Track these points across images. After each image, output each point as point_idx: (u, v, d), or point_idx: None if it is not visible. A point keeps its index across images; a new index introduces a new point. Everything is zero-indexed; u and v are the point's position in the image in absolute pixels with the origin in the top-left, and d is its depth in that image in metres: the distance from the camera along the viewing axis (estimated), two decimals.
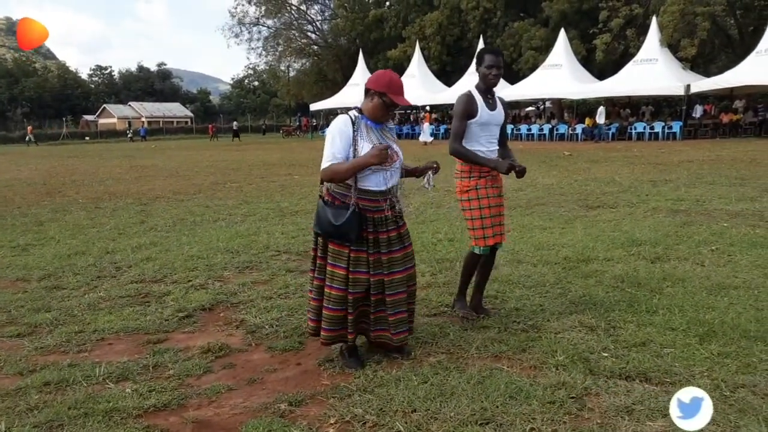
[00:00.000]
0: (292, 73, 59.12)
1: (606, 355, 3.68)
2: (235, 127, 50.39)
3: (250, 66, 74.10)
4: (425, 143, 29.34)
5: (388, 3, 50.03)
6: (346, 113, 3.59)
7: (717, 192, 10.05)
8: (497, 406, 3.06)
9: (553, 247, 6.43)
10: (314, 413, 3.12)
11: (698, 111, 31.35)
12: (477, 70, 4.24)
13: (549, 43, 34.65)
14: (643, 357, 3.61)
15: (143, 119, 73.49)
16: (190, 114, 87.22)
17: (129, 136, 55.40)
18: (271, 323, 4.46)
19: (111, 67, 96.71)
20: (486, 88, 4.22)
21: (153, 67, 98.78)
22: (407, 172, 3.84)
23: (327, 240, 3.56)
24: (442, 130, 35.34)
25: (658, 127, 28.49)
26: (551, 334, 4.05)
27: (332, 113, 51.00)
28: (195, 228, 8.40)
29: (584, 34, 34.96)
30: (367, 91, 3.56)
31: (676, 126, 27.96)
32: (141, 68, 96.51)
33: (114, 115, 78.15)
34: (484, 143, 4.24)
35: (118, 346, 4.14)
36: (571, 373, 3.43)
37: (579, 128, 30.62)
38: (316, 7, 57.67)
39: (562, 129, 31.42)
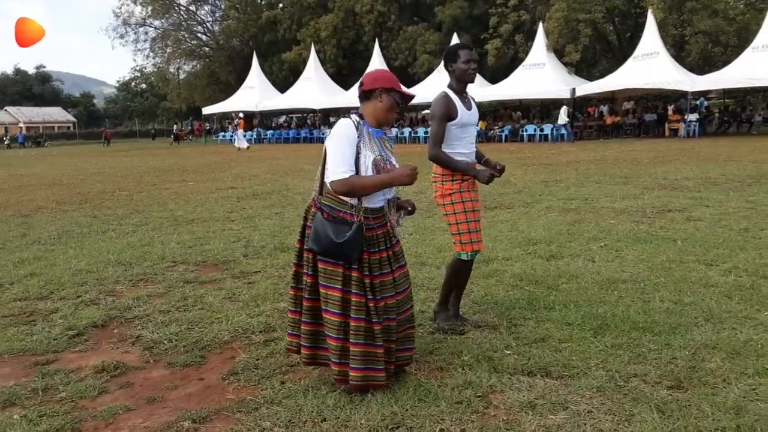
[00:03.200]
0: (182, 76, 57.20)
1: (509, 352, 3.78)
2: (175, 131, 49.28)
3: (137, 68, 70.90)
4: (239, 149, 29.93)
5: (281, 5, 49.48)
6: (348, 117, 3.31)
7: (603, 190, 10.62)
8: (407, 410, 3.07)
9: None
10: (220, 429, 3.00)
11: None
12: (448, 68, 4.07)
13: (443, 47, 35.41)
14: (543, 352, 3.74)
15: (21, 125, 69.00)
16: (72, 119, 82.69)
17: (6, 143, 51.99)
18: (169, 338, 4.26)
19: None
20: (463, 85, 4.09)
21: (31, 70, 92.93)
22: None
23: (316, 258, 3.24)
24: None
25: (547, 129, 29.84)
26: (456, 335, 4.12)
27: (226, 117, 49.99)
28: (82, 240, 7.94)
29: (476, 39, 36.08)
30: (369, 93, 3.29)
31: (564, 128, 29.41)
32: (18, 71, 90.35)
33: None
34: (464, 145, 4.10)
35: (3, 370, 3.84)
36: (477, 372, 3.49)
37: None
38: (206, 8, 56.11)
39: None
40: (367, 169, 3.19)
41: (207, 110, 44.55)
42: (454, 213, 4.08)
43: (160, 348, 4.11)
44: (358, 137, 3.20)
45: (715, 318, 4.18)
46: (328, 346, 3.28)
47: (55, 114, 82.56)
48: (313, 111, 39.91)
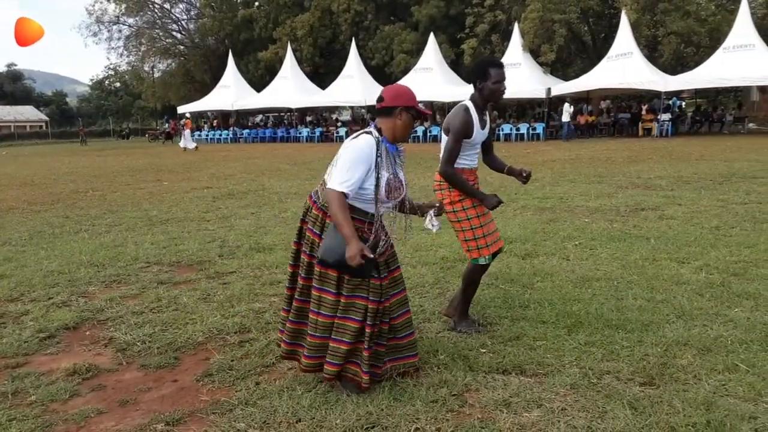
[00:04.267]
0: (157, 74, 56.61)
1: (484, 351, 3.80)
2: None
3: (111, 66, 69.78)
4: (185, 149, 30.21)
5: (257, 3, 49.17)
6: (371, 134, 3.24)
7: (578, 189, 10.73)
8: (382, 410, 3.07)
9: (431, 248, 6.58)
10: (194, 431, 2.97)
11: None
12: (476, 83, 3.91)
13: (420, 46, 35.60)
14: (518, 351, 3.77)
15: None
16: (45, 118, 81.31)
17: None
18: (143, 339, 4.21)
19: None
20: (491, 102, 3.98)
21: (2, 68, 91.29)
22: (410, 209, 3.59)
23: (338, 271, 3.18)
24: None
25: (523, 128, 30.04)
26: (432, 334, 4.13)
27: (202, 116, 49.58)
28: (54, 241, 7.82)
29: (452, 38, 36.24)
30: (390, 110, 3.25)
31: (540, 127, 29.63)
32: None
33: None
34: (467, 160, 4.02)
35: None
36: (452, 371, 3.50)
37: None
38: (180, 6, 55.53)
39: (435, 131, 32.31)
40: (381, 188, 3.20)
41: (182, 109, 44.12)
42: (467, 219, 3.97)
43: (133, 350, 4.06)
44: (378, 156, 3.18)
45: (686, 315, 4.24)
46: (305, 343, 3.29)
47: (27, 113, 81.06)
48: (290, 110, 39.72)
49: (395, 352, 3.40)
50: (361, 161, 3.14)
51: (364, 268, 3.07)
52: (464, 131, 3.89)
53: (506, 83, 3.95)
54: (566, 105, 28.16)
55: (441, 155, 3.98)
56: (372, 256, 3.08)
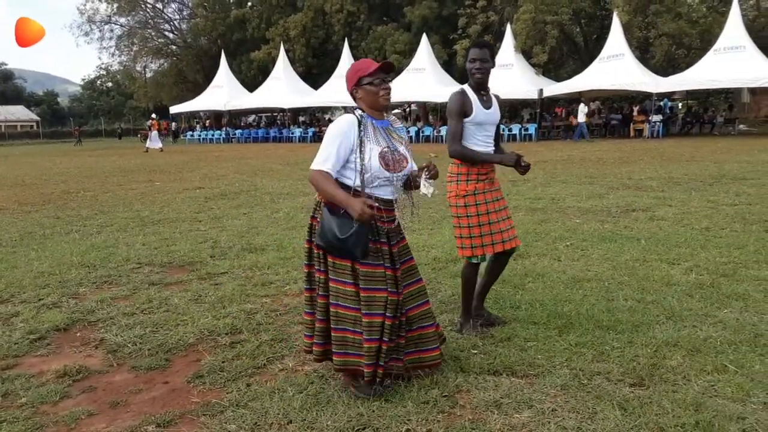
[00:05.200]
0: (149, 74, 56.46)
1: (475, 352, 3.81)
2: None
3: (103, 66, 69.65)
4: (147, 150, 30.40)
5: (250, 3, 49.10)
6: (352, 112, 3.29)
7: (570, 190, 10.76)
8: (373, 411, 3.08)
9: (423, 248, 6.58)
10: None
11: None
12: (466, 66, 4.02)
13: (412, 47, 35.63)
14: (509, 352, 3.77)
15: None
16: (36, 117, 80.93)
17: None
18: (134, 341, 4.20)
19: None
20: (474, 84, 3.97)
21: None
22: (405, 182, 3.43)
23: (333, 255, 3.20)
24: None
25: (515, 129, 30.11)
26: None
27: (194, 116, 49.44)
28: (45, 241, 7.78)
29: (445, 39, 36.31)
30: (352, 95, 3.33)
31: (532, 128, 29.71)
32: None
33: None
34: (481, 144, 3.99)
35: None
36: (443, 372, 3.51)
37: (443, 130, 31.64)
38: (173, 6, 55.41)
39: (428, 131, 32.36)
40: (372, 163, 3.16)
41: (174, 109, 44.02)
42: (467, 216, 3.96)
43: (124, 351, 4.05)
44: (361, 131, 3.18)
45: (676, 316, 4.26)
46: (333, 339, 3.25)
47: (18, 113, 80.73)
48: (283, 110, 39.72)
49: (415, 344, 3.38)
50: (336, 136, 3.16)
51: (355, 249, 3.07)
52: (460, 109, 3.90)
53: (488, 66, 3.93)
54: (581, 105, 27.66)
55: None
56: (376, 204, 3.10)
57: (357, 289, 3.17)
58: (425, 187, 3.37)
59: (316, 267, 3.30)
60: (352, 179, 3.22)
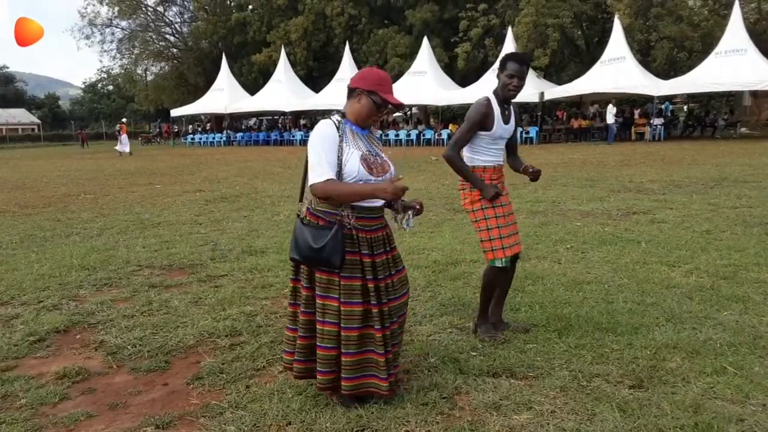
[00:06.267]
0: (150, 77, 56.45)
1: (474, 354, 3.81)
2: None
3: (104, 69, 69.83)
4: (120, 154, 30.41)
5: (251, 7, 49.11)
6: (329, 117, 3.14)
7: (570, 193, 10.76)
8: (372, 413, 3.08)
9: (423, 251, 6.58)
10: None
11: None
12: (497, 75, 3.88)
13: (413, 50, 35.61)
14: (508, 353, 3.78)
15: None
16: (37, 120, 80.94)
17: None
18: (133, 343, 4.20)
19: None
20: (503, 97, 3.89)
21: None
22: (386, 204, 3.26)
23: (311, 267, 3.09)
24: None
25: (516, 132, 30.02)
26: (423, 336, 4.14)
27: (195, 119, 49.40)
28: (45, 244, 7.79)
29: (446, 42, 36.33)
30: (351, 92, 3.14)
31: (533, 131, 29.71)
32: None
33: None
34: (492, 156, 3.95)
35: None
36: (443, 374, 3.51)
37: (444, 133, 31.69)
38: (174, 9, 55.40)
39: (429, 134, 32.38)
40: (352, 167, 3.02)
41: (175, 112, 44.05)
42: (485, 219, 3.91)
43: (124, 353, 4.05)
44: (340, 136, 3.04)
45: (675, 318, 4.26)
46: (317, 357, 3.12)
47: (19, 115, 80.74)
48: (284, 113, 39.72)
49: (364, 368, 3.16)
50: (321, 142, 3.02)
51: (331, 258, 2.95)
52: (479, 121, 3.83)
53: (523, 84, 3.86)
54: (610, 106, 27.13)
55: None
56: (404, 185, 2.98)
57: (339, 305, 3.05)
58: (407, 224, 3.31)
59: (303, 283, 3.18)
60: None
